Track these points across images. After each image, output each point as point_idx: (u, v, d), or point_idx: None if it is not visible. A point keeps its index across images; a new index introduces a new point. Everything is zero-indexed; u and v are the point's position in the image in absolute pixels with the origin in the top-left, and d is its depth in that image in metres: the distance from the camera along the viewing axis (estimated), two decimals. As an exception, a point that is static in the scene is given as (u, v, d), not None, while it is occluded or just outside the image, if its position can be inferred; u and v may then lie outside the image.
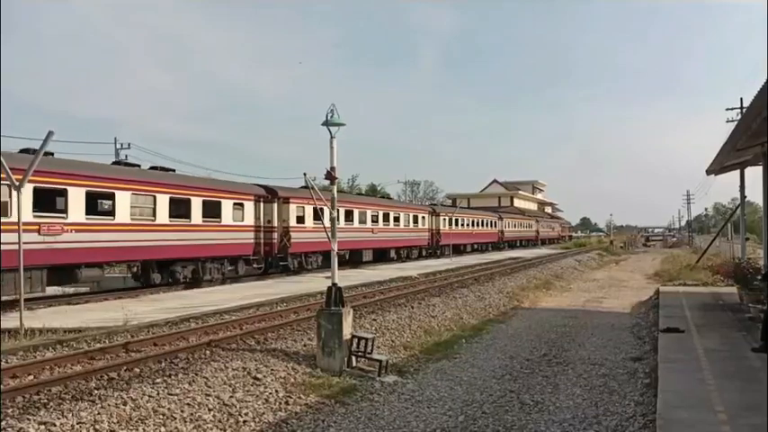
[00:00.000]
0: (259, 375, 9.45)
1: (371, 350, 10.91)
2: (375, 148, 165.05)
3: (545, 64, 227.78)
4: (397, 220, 37.82)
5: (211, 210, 21.83)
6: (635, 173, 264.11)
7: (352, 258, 32.10)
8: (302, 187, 16.70)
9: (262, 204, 24.76)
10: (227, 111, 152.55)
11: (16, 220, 12.87)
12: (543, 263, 37.98)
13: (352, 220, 31.78)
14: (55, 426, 6.74)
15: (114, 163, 19.92)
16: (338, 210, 25.43)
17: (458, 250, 47.42)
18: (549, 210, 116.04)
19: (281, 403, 8.62)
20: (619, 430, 7.80)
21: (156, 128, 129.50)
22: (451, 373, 11.09)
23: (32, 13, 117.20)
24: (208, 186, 22.60)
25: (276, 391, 9.02)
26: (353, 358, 10.80)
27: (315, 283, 20.97)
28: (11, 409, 7.23)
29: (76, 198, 16.95)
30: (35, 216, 15.65)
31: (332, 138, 11.12)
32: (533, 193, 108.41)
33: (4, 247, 13.05)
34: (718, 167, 19.42)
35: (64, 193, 16.77)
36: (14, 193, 13.36)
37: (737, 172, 19.36)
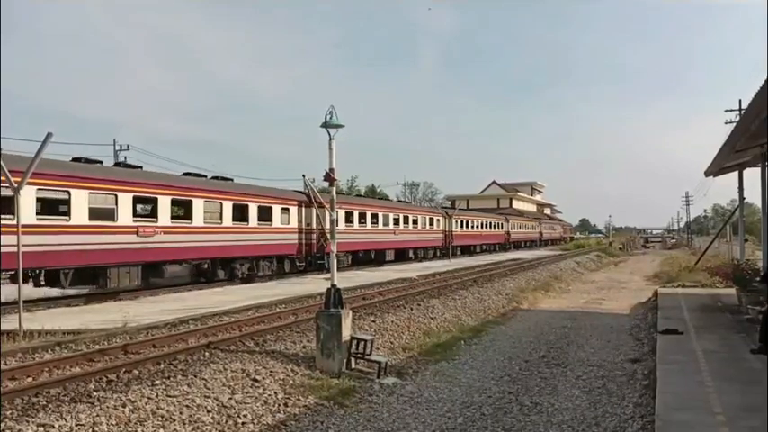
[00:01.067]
0: (258, 377, 9.45)
1: (370, 352, 10.91)
2: (374, 148, 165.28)
3: (545, 64, 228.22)
4: (415, 222, 40.22)
5: (264, 214, 24.63)
6: (634, 174, 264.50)
7: (377, 258, 34.57)
8: (321, 191, 17.84)
9: (303, 209, 27.27)
10: (226, 111, 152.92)
11: (122, 224, 17.50)
12: (542, 264, 37.98)
13: (377, 223, 34.31)
14: (53, 428, 6.75)
15: (185, 174, 22.68)
16: (366, 213, 29.16)
17: (468, 251, 49.93)
18: (547, 211, 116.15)
19: (279, 405, 8.62)
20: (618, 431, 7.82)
21: (155, 128, 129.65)
22: (450, 374, 11.10)
23: (32, 12, 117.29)
24: (262, 194, 25.16)
25: (275, 392, 9.02)
26: (352, 360, 10.81)
27: (314, 284, 20.96)
28: (10, 411, 7.22)
29: (164, 205, 19.72)
30: (134, 221, 18.56)
31: (331, 139, 11.14)
32: (532, 195, 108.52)
33: (111, 246, 17.35)
34: (716, 169, 19.44)
35: (155, 201, 19.50)
36: (120, 199, 17.67)
37: (736, 173, 19.38)
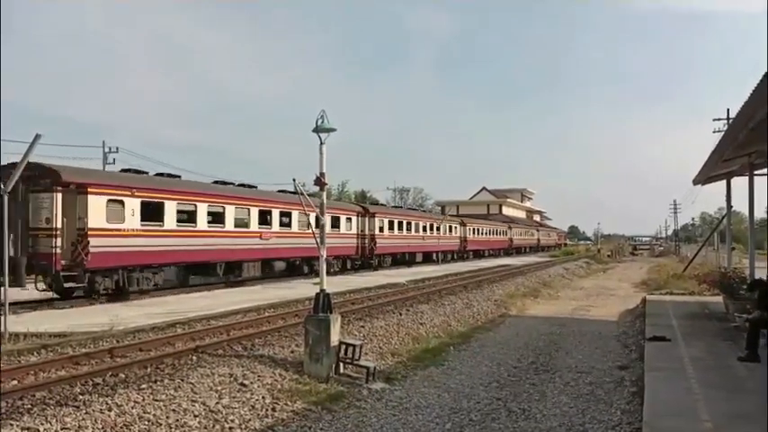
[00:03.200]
0: (246, 381, 9.40)
1: (359, 357, 10.90)
2: (365, 152, 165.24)
3: (537, 69, 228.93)
4: (438, 229, 46.21)
5: (334, 222, 30.68)
6: (623, 181, 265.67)
7: (410, 260, 40.83)
8: (311, 195, 19.14)
9: (360, 218, 34.24)
10: (222, 113, 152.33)
11: (252, 230, 24.16)
12: (531, 270, 38.12)
13: (410, 230, 41.00)
14: (39, 431, 6.68)
15: (280, 191, 28.36)
16: (403, 222, 37.42)
17: (478, 255, 56.74)
18: (537, 218, 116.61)
19: (267, 410, 8.58)
20: (605, 438, 7.83)
21: (148, 130, 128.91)
22: (439, 380, 11.09)
23: (28, 14, 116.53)
24: (333, 206, 31.63)
25: (263, 397, 8.98)
26: (341, 365, 10.78)
27: (303, 288, 20.92)
28: (-7, 415, 7.15)
29: (275, 216, 25.95)
30: (259, 227, 24.55)
31: (321, 144, 11.14)
32: (522, 201, 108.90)
33: (246, 246, 23.62)
34: (704, 177, 19.57)
35: (270, 213, 25.53)
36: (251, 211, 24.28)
37: (724, 182, 19.51)
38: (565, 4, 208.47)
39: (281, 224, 26.47)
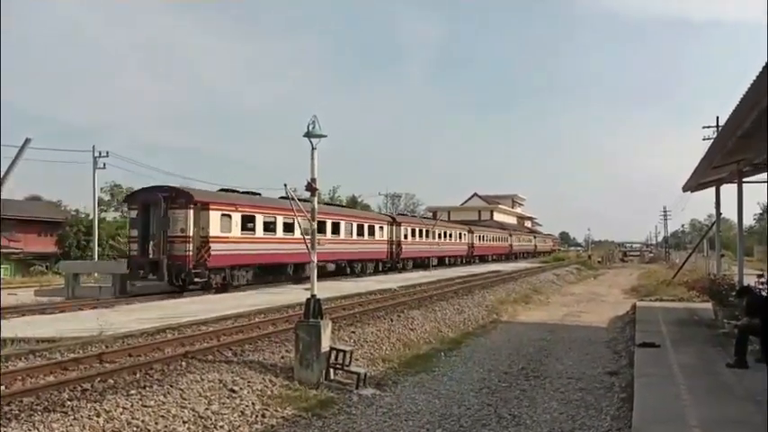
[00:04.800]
0: (235, 387, 9.37)
1: (350, 363, 10.89)
2: (357, 158, 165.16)
3: (527, 77, 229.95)
4: (450, 236, 51.74)
5: (370, 231, 36.12)
6: (614, 187, 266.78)
7: (428, 263, 44.42)
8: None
9: (389, 226, 39.35)
10: (211, 117, 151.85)
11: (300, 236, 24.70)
12: (522, 276, 38.19)
13: (428, 237, 45.56)
14: (25, 438, 6.64)
15: (326, 203, 35.34)
16: (423, 230, 44.63)
17: (483, 259, 60.94)
18: (528, 224, 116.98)
19: (257, 416, 8.56)
20: (595, 444, 7.85)
21: (139, 134, 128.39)
22: (430, 386, 11.09)
23: (18, 16, 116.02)
24: (370, 216, 40.25)
25: (252, 403, 8.96)
26: (331, 371, 10.77)
27: (294, 294, 20.88)
28: (-20, 421, 7.09)
29: (329, 225, 30.68)
30: (317, 235, 26.14)
31: (313, 149, 11.15)
32: (513, 207, 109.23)
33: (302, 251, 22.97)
34: (694, 184, 19.68)
35: (325, 222, 29.78)
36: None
37: (713, 189, 19.63)
38: (556, 12, 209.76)
39: (333, 232, 31.37)
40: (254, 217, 24.97)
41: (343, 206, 50.46)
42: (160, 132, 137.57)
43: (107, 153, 42.65)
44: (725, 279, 17.29)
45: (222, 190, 25.71)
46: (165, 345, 11.82)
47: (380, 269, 37.58)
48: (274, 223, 26.30)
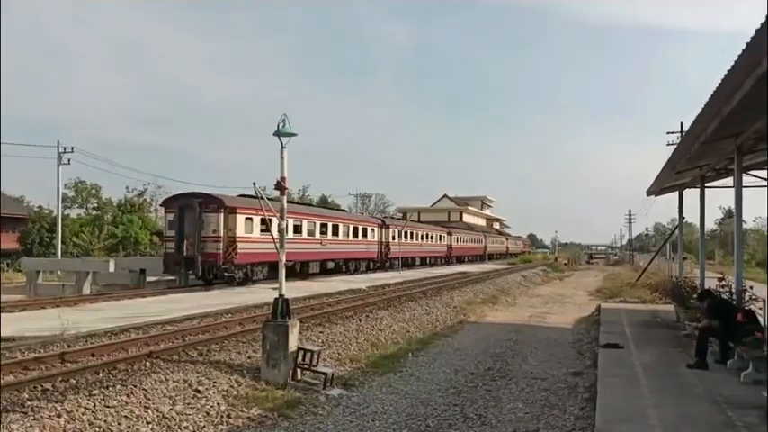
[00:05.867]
0: (200, 388, 9.25)
1: (317, 363, 10.83)
2: (327, 158, 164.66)
3: (494, 82, 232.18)
4: (432, 238, 55.57)
5: (364, 232, 39.59)
6: (581, 191, 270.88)
7: (412, 263, 48.92)
8: (271, 199, 22.29)
9: (379, 229, 42.64)
10: (180, 116, 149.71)
11: (317, 238, 32.44)
12: (490, 278, 38.49)
13: (412, 238, 49.42)
14: (-18, 439, 6.47)
15: (323, 206, 40.44)
16: (407, 232, 47.81)
17: (460, 260, 64.01)
18: (497, 225, 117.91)
19: (222, 416, 8.46)
20: (559, 444, 7.93)
21: (104, 132, 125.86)
22: (397, 386, 11.10)
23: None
24: (364, 219, 43.80)
25: (218, 403, 8.85)
26: (299, 371, 10.70)
27: (262, 294, 20.73)
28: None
29: (330, 228, 34.12)
30: (320, 235, 32.71)
31: (282, 148, 11.08)
32: (482, 209, 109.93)
33: (312, 249, 32.27)
34: (658, 189, 20.07)
35: (327, 225, 33.80)
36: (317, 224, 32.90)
37: (677, 193, 20.04)
38: (525, 19, 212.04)
39: (333, 234, 34.60)
40: (270, 220, 26.29)
41: (340, 209, 55.08)
42: (126, 129, 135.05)
43: (72, 149, 41.90)
44: (687, 282, 17.65)
45: (241, 196, 27.79)
46: (129, 344, 11.63)
47: (371, 268, 40.53)
48: (287, 225, 27.85)
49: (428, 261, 54.11)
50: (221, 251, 24.48)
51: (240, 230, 25.30)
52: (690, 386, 9.11)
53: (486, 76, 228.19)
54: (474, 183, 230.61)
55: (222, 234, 24.51)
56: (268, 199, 23.92)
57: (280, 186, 11.30)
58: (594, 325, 17.88)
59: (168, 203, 26.67)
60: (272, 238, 21.76)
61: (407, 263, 47.45)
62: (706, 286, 14.62)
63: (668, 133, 44.91)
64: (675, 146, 16.06)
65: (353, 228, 38.03)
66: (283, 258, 11.39)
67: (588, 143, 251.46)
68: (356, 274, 36.95)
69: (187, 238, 24.53)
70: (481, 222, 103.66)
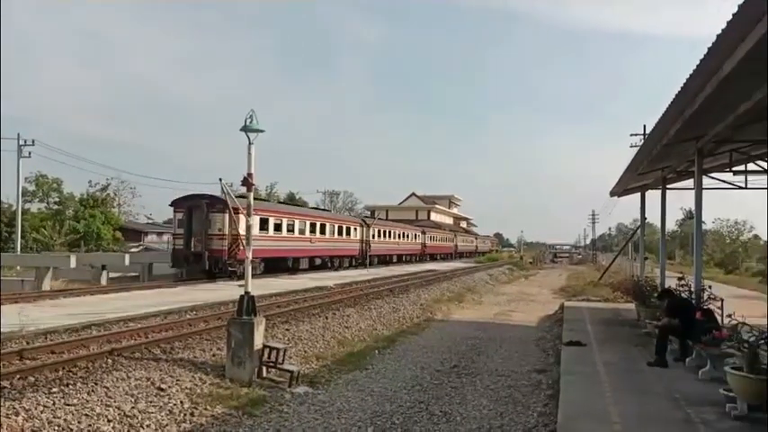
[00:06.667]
0: (163, 386, 9.13)
1: (283, 360, 10.77)
2: (295, 155, 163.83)
3: (464, 83, 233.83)
4: (407, 236, 58.56)
5: (347, 231, 42.02)
6: (547, 192, 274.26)
7: (389, 260, 52.35)
8: (238, 196, 24.67)
9: (361, 228, 45.23)
10: (146, 111, 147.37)
11: (306, 236, 35.62)
12: (457, 276, 38.73)
13: (391, 237, 52.68)
14: (-66, 439, 6.28)
15: (314, 208, 46.35)
16: (386, 231, 52.50)
17: (433, 258, 66.89)
18: (464, 224, 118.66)
19: (185, 414, 8.35)
20: (522, 440, 8.01)
21: (68, 126, 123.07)
22: (363, 383, 11.09)
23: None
24: (348, 220, 46.42)
25: (181, 402, 8.73)
26: (264, 369, 10.63)
27: (228, 290, 20.52)
28: None
29: (318, 227, 36.78)
30: (309, 234, 35.51)
31: (250, 144, 10.95)
32: (450, 208, 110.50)
33: (300, 246, 34.87)
34: (621, 190, 20.45)
35: (315, 224, 36.53)
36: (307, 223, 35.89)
37: (639, 195, 20.41)
38: (496, 20, 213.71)
39: (321, 232, 37.23)
40: (267, 219, 31.01)
41: (326, 210, 58.51)
42: (90, 125, 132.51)
43: (33, 142, 40.90)
44: (647, 281, 17.98)
45: (239, 197, 29.37)
46: (90, 341, 11.40)
47: (353, 264, 42.81)
48: (281, 225, 32.61)
49: (404, 258, 56.98)
50: (226, 248, 26.82)
51: (242, 229, 25.47)
52: (650, 383, 9.28)
53: (455, 77, 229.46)
54: (442, 182, 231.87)
55: (227, 232, 26.83)
56: (257, 199, 24.36)
57: (246, 183, 11.17)
58: (558, 323, 18.13)
59: (178, 204, 28.55)
60: (239, 236, 23.15)
61: (385, 260, 50.85)
62: (666, 285, 14.90)
63: (631, 135, 45.63)
64: (638, 148, 16.37)
65: (339, 227, 40.48)
66: (250, 255, 11.26)
67: (557, 144, 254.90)
68: (341, 270, 38.69)
69: (195, 236, 26.93)
70: (449, 221, 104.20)
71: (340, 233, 40.76)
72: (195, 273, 26.97)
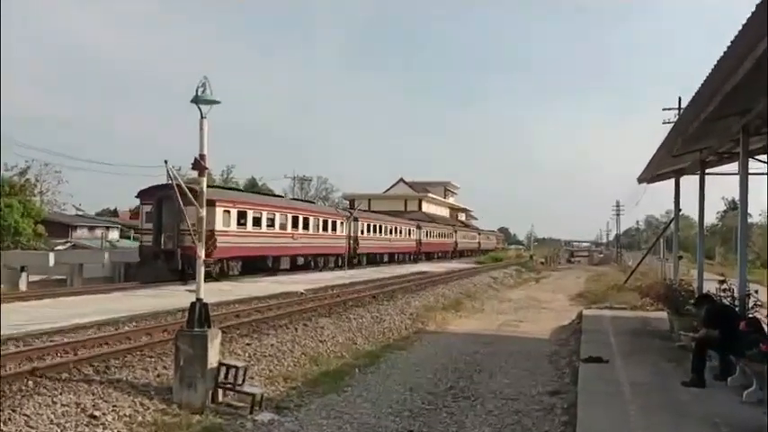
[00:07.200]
0: (97, 413, 9.09)
1: (243, 381, 10.74)
2: (258, 136, 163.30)
3: (463, 53, 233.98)
4: (401, 232, 61.04)
5: (333, 226, 43.55)
6: (560, 179, 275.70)
7: (380, 259, 55.16)
8: (188, 182, 23.65)
9: (348, 222, 46.72)
10: (84, 82, 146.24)
11: (289, 231, 37.48)
12: (454, 279, 38.89)
13: (382, 233, 55.11)
14: None
15: (293, 199, 47.30)
16: (376, 225, 55.01)
17: (429, 257, 69.98)
18: (462, 216, 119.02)
19: (124, 448, 8.31)
20: (532, 476, 8.05)
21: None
22: (340, 409, 11.08)
23: None
24: (333, 212, 48.19)
25: (119, 431, 8.69)
26: (220, 391, 10.59)
27: (176, 297, 20.43)
28: None
29: (300, 221, 38.46)
30: (291, 229, 37.16)
31: (202, 118, 10.88)
32: (445, 197, 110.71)
33: (280, 243, 36.22)
34: (650, 175, 20.48)
35: (298, 218, 38.35)
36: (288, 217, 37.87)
37: (672, 181, 20.44)
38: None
39: (304, 227, 38.96)
40: (245, 212, 32.50)
41: (310, 201, 60.00)
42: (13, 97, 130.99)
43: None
44: (682, 285, 18.10)
45: (189, 183, 30.60)
46: (6, 359, 11.27)
47: (339, 264, 44.26)
48: (261, 219, 34.09)
49: (396, 258, 58.88)
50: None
51: (219, 224, 29.08)
52: (685, 406, 9.35)
53: (449, 49, 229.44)
54: (437, 168, 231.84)
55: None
56: (226, 188, 24.91)
57: (198, 166, 11.11)
58: (575, 335, 18.23)
59: (145, 194, 29.48)
60: (190, 230, 23.94)
61: (375, 260, 52.88)
62: (704, 290, 15.01)
63: (664, 110, 45.87)
64: (672, 124, 16.39)
65: (324, 221, 42.23)
66: (202, 255, 11.21)
67: (572, 123, 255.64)
68: (324, 271, 40.30)
69: (165, 231, 27.80)
70: (444, 212, 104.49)
71: (325, 228, 42.17)
72: (164, 273, 27.38)
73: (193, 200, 11.31)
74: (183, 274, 27.16)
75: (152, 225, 28.18)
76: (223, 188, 35.79)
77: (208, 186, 28.82)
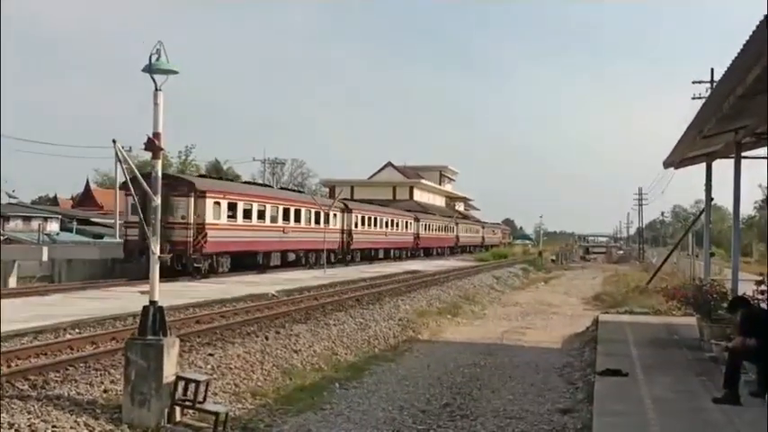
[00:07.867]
0: (34, 435, 9.05)
1: (204, 398, 10.72)
2: (222, 114, 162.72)
3: (469, 9, 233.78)
4: (398, 225, 63.66)
5: (326, 219, 43.82)
6: (575, 165, 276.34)
7: (375, 255, 57.44)
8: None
9: (342, 215, 49.62)
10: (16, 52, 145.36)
11: (279, 225, 40.16)
12: (450, 279, 39.01)
13: (377, 226, 57.43)
14: None
15: (282, 188, 53.08)
16: (371, 218, 57.57)
17: (428, 252, 73.53)
18: (461, 206, 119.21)
19: (65, 476, 8.29)
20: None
21: None
22: (318, 429, 11.11)
23: None
24: (325, 203, 47.15)
25: (59, 457, 8.67)
26: (177, 410, 10.58)
27: (125, 299, 20.38)
28: None
29: (291, 213, 41.07)
30: (282, 222, 39.54)
31: (157, 90, 10.79)
32: (441, 183, 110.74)
33: (267, 238, 38.35)
34: (678, 159, 20.47)
35: (289, 210, 40.97)
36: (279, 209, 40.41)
37: (703, 166, 20.45)
38: None
39: (296, 220, 41.43)
40: (236, 203, 34.77)
41: (299, 191, 61.64)
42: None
43: None
44: (714, 286, 18.18)
45: (201, 176, 34.92)
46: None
47: (331, 261, 45.04)
48: (251, 210, 36.44)
49: (392, 254, 61.41)
50: (191, 239, 30.37)
51: (210, 216, 31.68)
52: (717, 427, 9.40)
53: (447, 17, 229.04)
54: (432, 151, 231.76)
55: (191, 221, 30.42)
56: (210, 177, 25.50)
57: (153, 146, 11.01)
58: (590, 344, 18.30)
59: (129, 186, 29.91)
60: (205, 225, 26.49)
61: (369, 255, 55.40)
62: (740, 292, 15.06)
63: (694, 83, 45.95)
64: (704, 100, 16.40)
65: (316, 213, 44.29)
66: (157, 251, 11.16)
67: (586, 101, 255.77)
68: (315, 268, 41.36)
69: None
70: (440, 202, 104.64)
71: (317, 221, 43.94)
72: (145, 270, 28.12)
73: (146, 187, 11.23)
74: (172, 271, 28.32)
75: (137, 218, 28.45)
76: (212, 177, 38.10)
77: (199, 176, 29.96)
